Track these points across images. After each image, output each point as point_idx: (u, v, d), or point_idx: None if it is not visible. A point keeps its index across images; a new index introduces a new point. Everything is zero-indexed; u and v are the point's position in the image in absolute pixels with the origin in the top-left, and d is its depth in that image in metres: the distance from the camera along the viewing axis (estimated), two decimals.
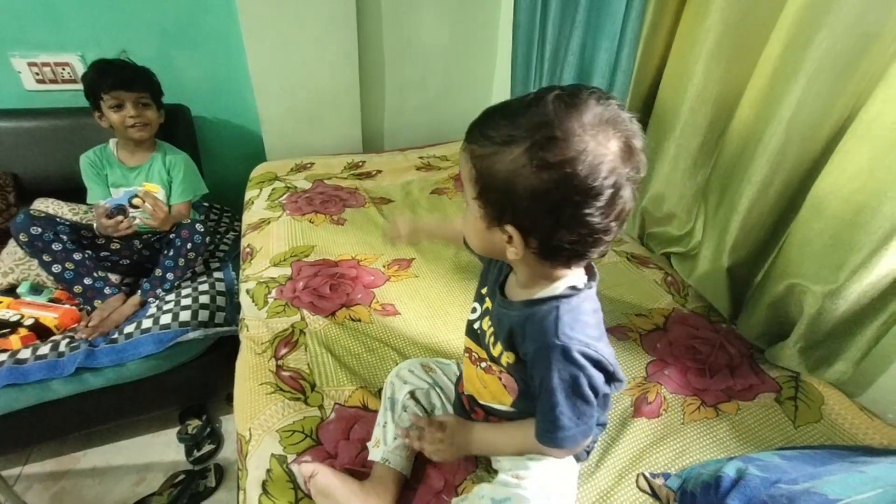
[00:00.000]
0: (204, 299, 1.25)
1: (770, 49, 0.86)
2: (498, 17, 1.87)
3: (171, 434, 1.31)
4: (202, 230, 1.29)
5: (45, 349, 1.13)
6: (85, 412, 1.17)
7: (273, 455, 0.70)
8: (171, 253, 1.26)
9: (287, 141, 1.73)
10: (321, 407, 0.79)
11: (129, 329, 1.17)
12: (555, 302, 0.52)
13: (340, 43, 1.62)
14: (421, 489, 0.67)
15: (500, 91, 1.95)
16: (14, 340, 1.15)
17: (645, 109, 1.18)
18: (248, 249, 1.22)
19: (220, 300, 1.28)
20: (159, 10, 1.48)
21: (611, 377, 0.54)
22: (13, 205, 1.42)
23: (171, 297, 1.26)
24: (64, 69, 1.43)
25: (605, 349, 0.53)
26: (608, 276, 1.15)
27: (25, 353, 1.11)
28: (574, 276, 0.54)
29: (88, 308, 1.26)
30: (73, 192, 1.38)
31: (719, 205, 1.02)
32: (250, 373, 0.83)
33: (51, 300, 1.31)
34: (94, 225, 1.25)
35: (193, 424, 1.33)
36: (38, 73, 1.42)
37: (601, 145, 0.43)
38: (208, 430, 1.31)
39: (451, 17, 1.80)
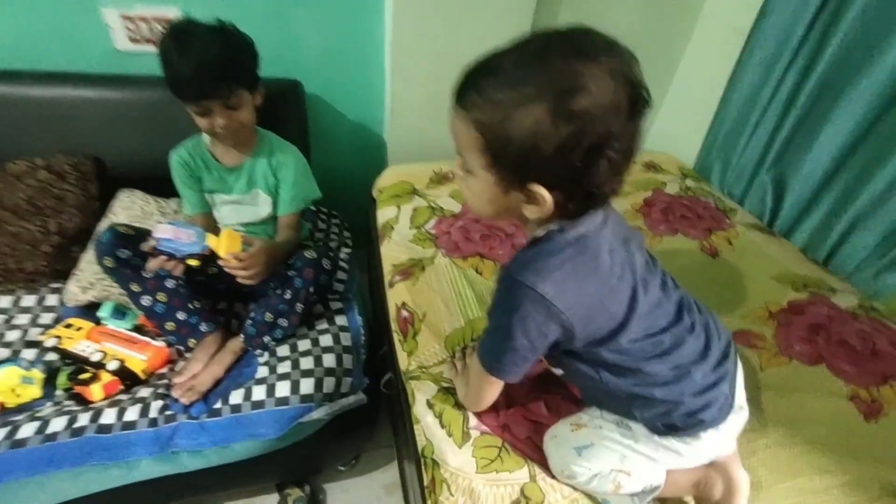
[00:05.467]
0: (328, 361, 0.94)
1: None
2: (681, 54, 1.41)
3: (269, 500, 1.07)
4: (329, 268, 0.96)
5: (132, 412, 0.86)
6: (171, 490, 0.92)
7: None
8: (287, 295, 0.94)
9: (419, 136, 1.36)
10: None
11: (235, 399, 0.88)
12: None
13: (511, 22, 1.20)
14: None
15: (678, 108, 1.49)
16: (95, 390, 0.88)
17: None
18: (405, 314, 0.86)
19: (347, 360, 0.96)
20: None
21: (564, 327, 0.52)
22: (95, 197, 1.14)
23: (285, 351, 0.96)
24: (163, 26, 1.10)
25: (556, 290, 0.51)
26: None
27: (110, 417, 0.85)
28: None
29: (182, 348, 0.99)
30: (164, 182, 1.07)
31: None
32: None
33: (135, 327, 1.05)
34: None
35: (294, 496, 1.08)
36: (132, 30, 1.10)
37: (608, 85, 0.43)
38: None
39: (645, 12, 1.36)
